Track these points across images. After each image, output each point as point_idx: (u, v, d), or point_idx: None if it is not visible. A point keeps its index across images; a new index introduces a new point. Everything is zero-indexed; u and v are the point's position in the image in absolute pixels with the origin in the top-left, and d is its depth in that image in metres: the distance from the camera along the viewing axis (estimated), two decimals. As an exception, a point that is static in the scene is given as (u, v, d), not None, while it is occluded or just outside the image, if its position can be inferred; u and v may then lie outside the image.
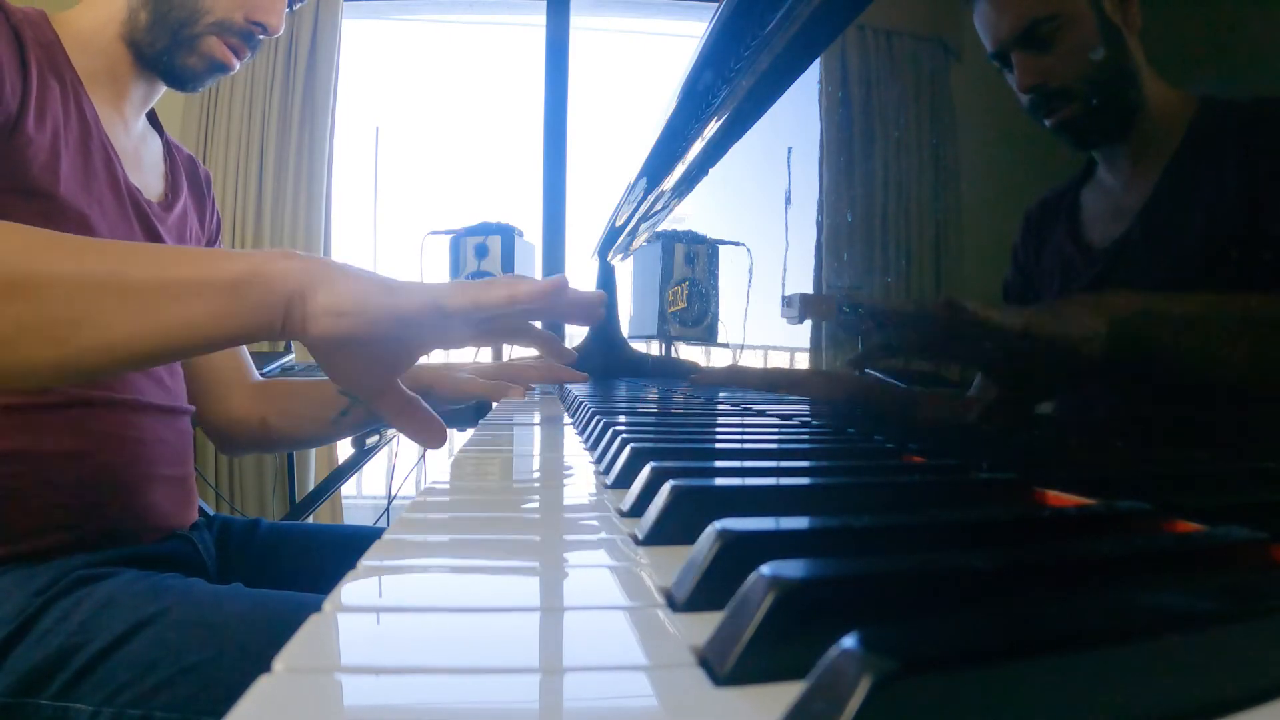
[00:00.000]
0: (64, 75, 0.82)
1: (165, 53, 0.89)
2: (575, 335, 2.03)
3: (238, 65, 0.92)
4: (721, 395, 0.99)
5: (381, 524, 2.44)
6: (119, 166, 0.87)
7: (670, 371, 1.29)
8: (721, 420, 0.76)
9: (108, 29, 0.88)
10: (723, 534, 0.23)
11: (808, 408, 0.71)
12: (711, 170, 1.05)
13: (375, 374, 0.60)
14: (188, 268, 0.54)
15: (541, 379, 1.11)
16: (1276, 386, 0.26)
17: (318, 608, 0.21)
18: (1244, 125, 0.28)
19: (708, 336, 1.11)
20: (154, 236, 0.91)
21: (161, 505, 0.88)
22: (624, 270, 1.75)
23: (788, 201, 0.76)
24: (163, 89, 0.95)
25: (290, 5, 0.95)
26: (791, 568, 0.18)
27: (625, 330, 1.69)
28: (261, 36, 0.92)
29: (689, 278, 1.17)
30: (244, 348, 1.11)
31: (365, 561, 0.26)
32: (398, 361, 0.60)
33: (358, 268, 0.56)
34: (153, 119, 1.00)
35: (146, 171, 0.95)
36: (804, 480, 0.38)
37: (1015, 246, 0.41)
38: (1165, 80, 0.33)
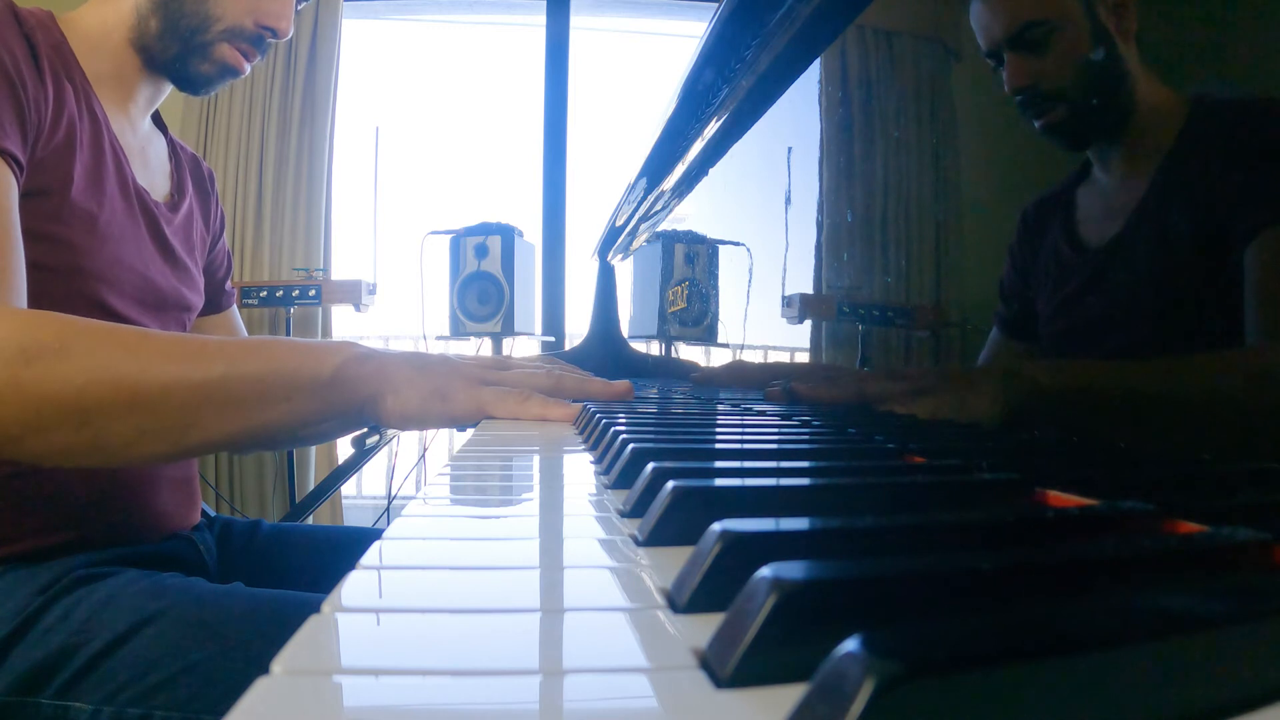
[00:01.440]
0: (75, 76, 0.83)
1: (177, 59, 0.89)
2: (575, 335, 2.03)
3: (248, 69, 0.93)
4: (722, 395, 0.99)
5: (381, 524, 2.44)
6: (127, 168, 0.87)
7: (670, 371, 1.29)
8: (722, 420, 0.76)
9: (116, 32, 0.88)
10: (724, 535, 0.23)
11: (807, 407, 0.71)
12: (711, 170, 1.05)
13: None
14: (282, 371, 0.64)
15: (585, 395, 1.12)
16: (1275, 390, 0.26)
17: (317, 608, 0.21)
18: (1237, 126, 0.28)
19: (708, 336, 1.11)
20: (160, 237, 0.91)
21: (165, 506, 0.88)
22: (624, 270, 1.75)
23: (788, 201, 0.76)
24: (169, 90, 0.95)
25: (297, 5, 0.95)
26: (793, 569, 0.18)
27: (625, 330, 1.69)
28: (271, 40, 0.92)
29: (689, 278, 1.17)
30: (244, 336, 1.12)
31: (365, 562, 0.26)
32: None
33: (418, 364, 0.66)
34: (157, 119, 1.00)
35: (153, 172, 0.96)
36: (805, 480, 0.38)
37: (1011, 246, 0.41)
38: (1158, 82, 0.33)
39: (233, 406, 0.62)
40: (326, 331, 2.72)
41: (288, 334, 2.54)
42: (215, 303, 1.09)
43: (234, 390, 0.62)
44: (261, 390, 0.62)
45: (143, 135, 0.95)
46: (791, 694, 0.15)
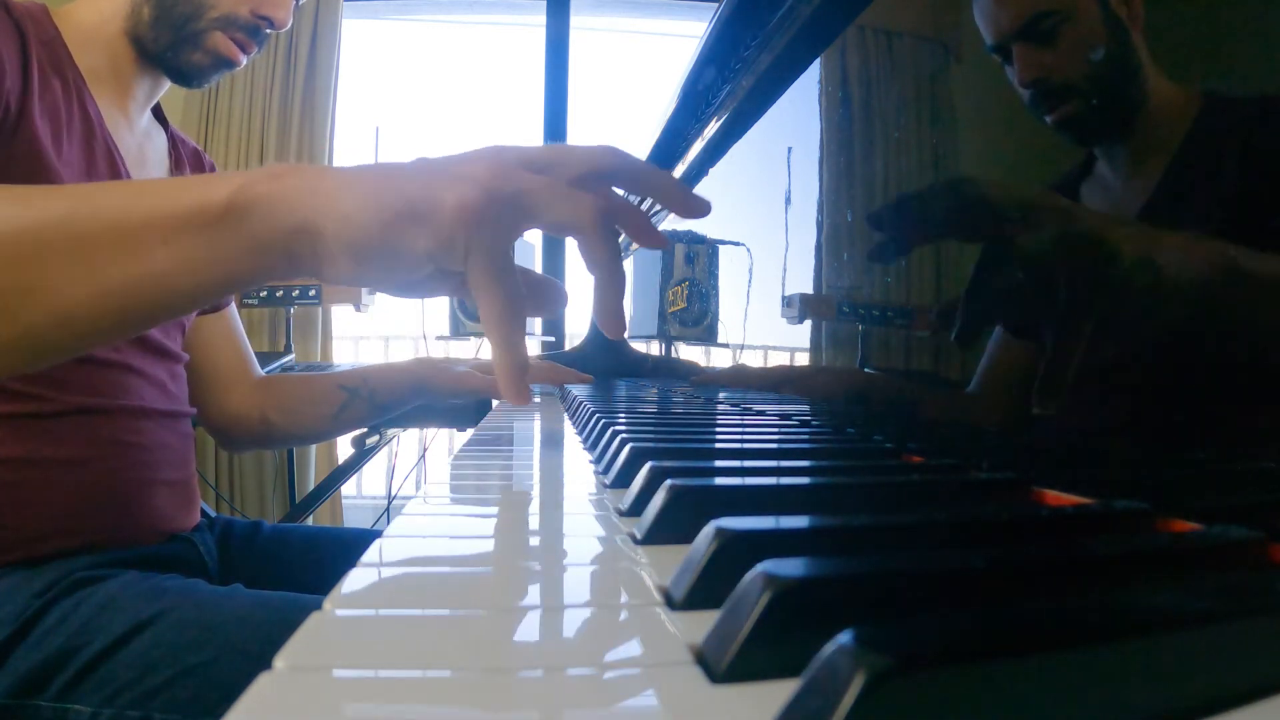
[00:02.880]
0: (66, 73, 0.82)
1: (170, 49, 0.88)
2: (575, 335, 2.03)
3: (244, 60, 0.91)
4: (721, 395, 0.99)
5: (381, 524, 2.44)
6: (122, 166, 0.87)
7: (670, 371, 1.29)
8: (720, 420, 0.76)
9: (110, 24, 0.87)
10: (720, 533, 0.23)
11: (807, 407, 0.71)
12: (711, 170, 1.05)
13: (440, 285, 0.48)
14: (151, 204, 0.42)
15: (544, 379, 1.10)
16: (1273, 385, 0.26)
17: (318, 607, 0.21)
18: (1247, 123, 0.28)
19: (708, 336, 1.11)
20: None
21: (164, 509, 0.88)
22: (624, 270, 1.75)
23: (788, 201, 0.76)
24: (167, 85, 0.94)
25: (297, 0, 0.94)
26: (788, 566, 0.18)
27: (625, 330, 1.69)
28: (268, 31, 0.91)
29: (689, 278, 1.18)
30: (246, 344, 1.10)
31: (366, 560, 0.26)
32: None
33: (379, 171, 0.43)
34: (158, 113, 0.99)
35: (151, 170, 0.95)
36: (802, 480, 0.38)
37: None
38: (1168, 77, 0.33)
39: (84, 256, 0.42)
40: (327, 332, 2.72)
41: (288, 335, 2.54)
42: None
43: (84, 231, 0.42)
44: (122, 232, 0.42)
45: (140, 132, 0.94)
46: (785, 689, 0.16)
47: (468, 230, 0.40)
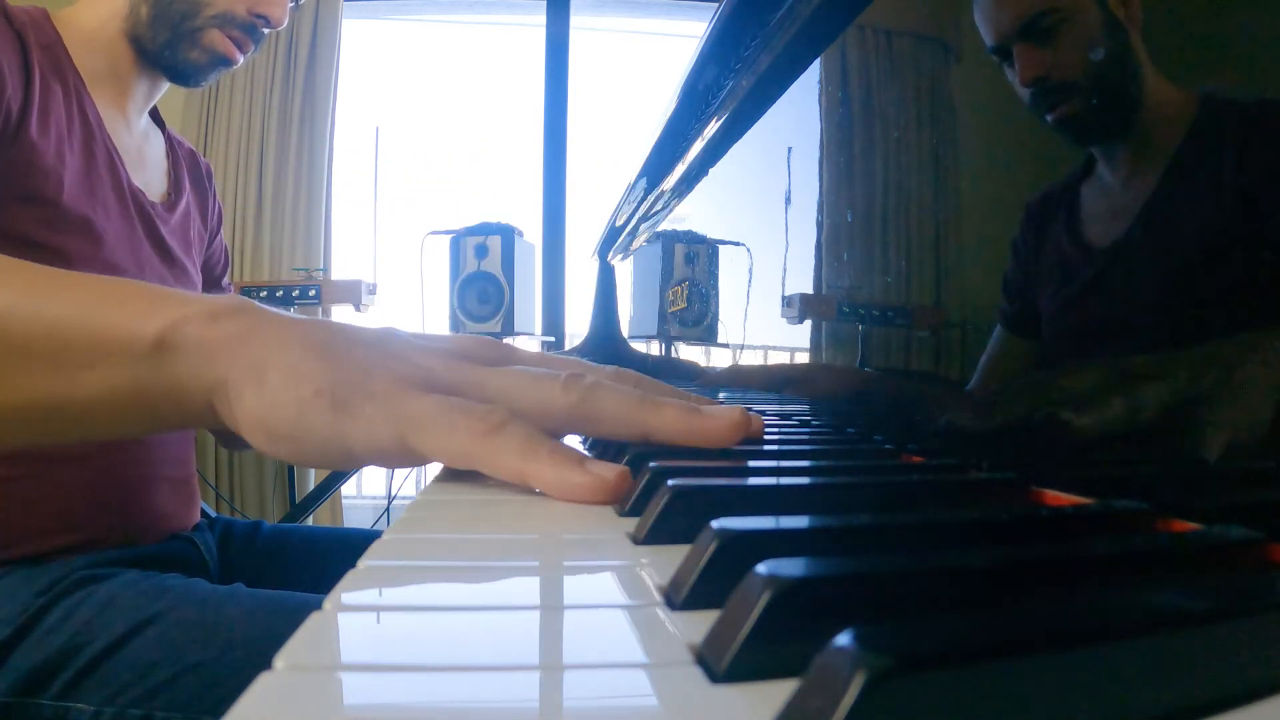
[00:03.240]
0: (66, 77, 0.82)
1: (167, 47, 0.88)
2: (575, 336, 2.03)
3: (241, 59, 0.92)
4: (721, 395, 0.99)
5: (381, 524, 2.44)
6: (122, 169, 0.87)
7: (670, 372, 1.29)
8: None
9: (109, 26, 0.88)
10: (720, 533, 0.23)
11: (807, 407, 0.71)
12: (711, 170, 1.05)
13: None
14: (90, 318, 0.39)
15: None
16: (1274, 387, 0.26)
17: (318, 607, 0.21)
18: (1247, 125, 0.28)
19: (708, 336, 1.11)
20: (157, 239, 0.91)
21: (165, 507, 0.88)
22: (624, 270, 1.76)
23: (788, 201, 0.76)
24: (165, 86, 0.95)
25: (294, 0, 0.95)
26: (788, 566, 0.18)
27: (625, 330, 1.70)
28: (265, 29, 0.91)
29: (689, 278, 1.18)
30: None
31: (366, 560, 0.26)
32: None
33: (315, 341, 0.38)
34: (155, 115, 0.99)
35: (149, 171, 0.95)
36: (802, 480, 0.38)
37: (1015, 242, 0.41)
38: (1167, 78, 0.33)
39: (12, 364, 0.38)
40: (327, 332, 2.71)
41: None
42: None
43: (16, 337, 0.38)
44: (57, 345, 0.38)
45: (139, 133, 0.94)
46: (785, 689, 0.16)
47: (377, 427, 0.36)
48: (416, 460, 0.37)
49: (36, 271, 0.41)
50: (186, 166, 1.03)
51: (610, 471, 0.36)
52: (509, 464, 0.36)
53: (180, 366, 0.38)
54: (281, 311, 0.40)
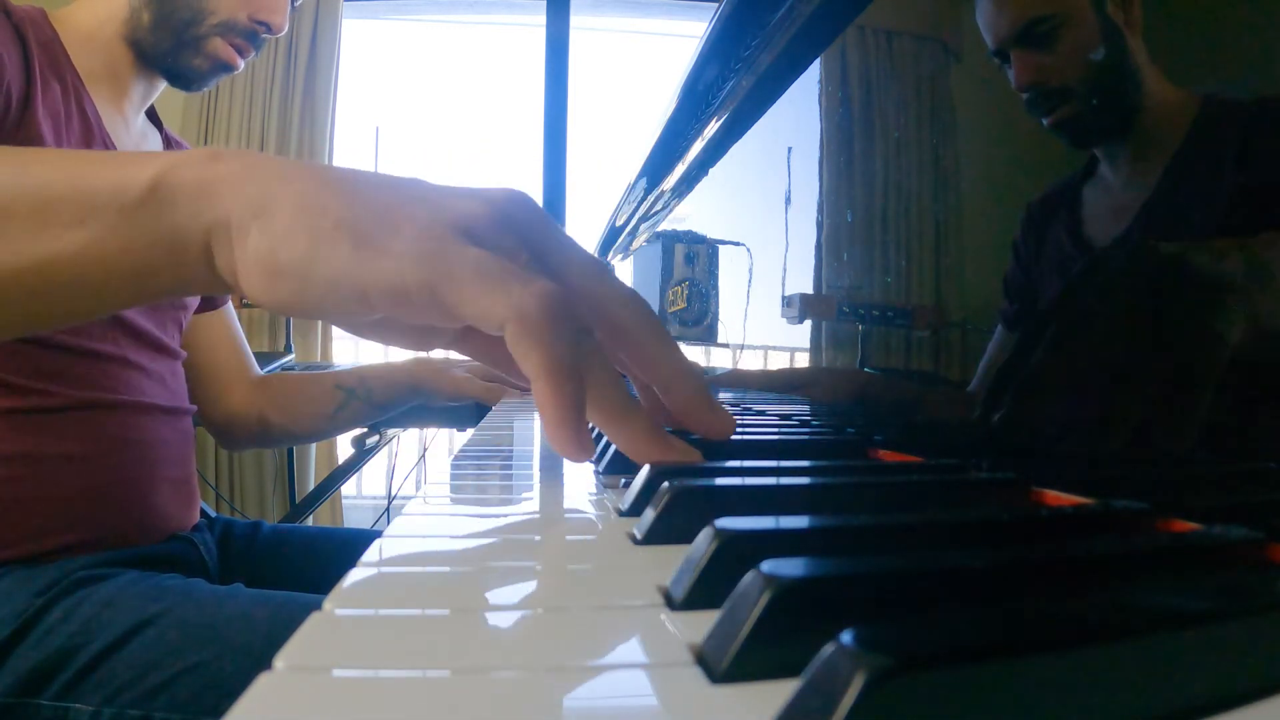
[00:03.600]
0: (65, 75, 0.82)
1: (169, 53, 0.88)
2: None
3: (242, 65, 0.92)
4: (721, 395, 0.99)
5: (381, 524, 2.44)
6: None
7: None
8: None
9: (108, 27, 0.88)
10: (720, 533, 0.23)
11: (807, 407, 0.71)
12: (711, 170, 1.05)
13: (403, 336, 0.40)
14: (72, 177, 0.36)
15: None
16: (1274, 384, 0.26)
17: (318, 607, 0.21)
18: (1246, 125, 0.28)
19: (708, 336, 1.11)
20: None
21: (165, 507, 0.88)
22: (624, 270, 1.76)
23: (788, 201, 0.76)
24: (163, 86, 0.95)
25: (293, 3, 0.95)
26: (787, 566, 0.18)
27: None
28: (266, 35, 0.92)
29: (689, 278, 1.18)
30: (244, 343, 1.10)
31: (366, 560, 0.26)
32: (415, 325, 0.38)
33: (333, 178, 0.34)
34: (152, 115, 0.99)
35: None
36: (802, 480, 0.38)
37: (1016, 242, 0.41)
38: (1167, 79, 0.33)
39: (2, 224, 0.36)
40: (326, 332, 2.72)
41: (288, 335, 2.54)
42: (210, 299, 1.08)
43: (4, 199, 0.36)
44: (41, 203, 0.36)
45: (137, 133, 0.94)
46: (785, 689, 0.16)
47: (412, 267, 0.32)
48: (438, 317, 0.32)
49: (19, 149, 0.39)
50: None
51: (659, 436, 0.35)
52: (538, 362, 0.31)
53: (177, 210, 0.35)
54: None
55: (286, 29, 0.93)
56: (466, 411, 1.54)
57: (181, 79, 0.91)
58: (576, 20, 2.64)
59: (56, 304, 0.39)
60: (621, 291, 0.36)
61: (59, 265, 0.36)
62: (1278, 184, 0.27)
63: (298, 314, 0.35)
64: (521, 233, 0.35)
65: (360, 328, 0.38)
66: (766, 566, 0.18)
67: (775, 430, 0.63)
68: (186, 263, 0.36)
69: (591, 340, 0.34)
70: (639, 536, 0.30)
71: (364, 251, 0.32)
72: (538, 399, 0.32)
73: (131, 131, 0.93)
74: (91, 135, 0.84)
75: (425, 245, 0.32)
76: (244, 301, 2.30)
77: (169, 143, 1.02)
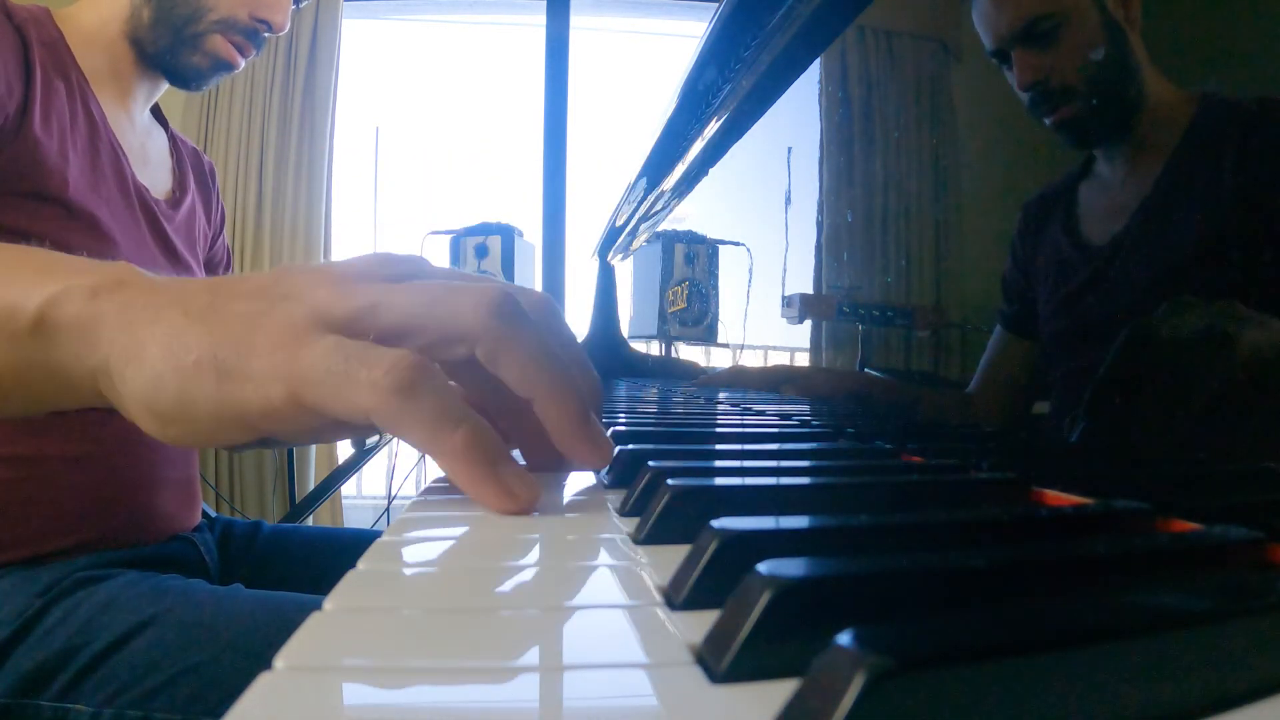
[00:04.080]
0: (69, 74, 0.82)
1: (168, 51, 0.88)
2: (576, 335, 2.03)
3: (242, 63, 0.92)
4: (721, 395, 0.99)
5: (381, 524, 2.44)
6: (127, 166, 0.87)
7: (670, 372, 1.29)
8: (721, 420, 0.76)
9: (110, 26, 0.88)
10: (720, 533, 0.23)
11: (807, 407, 0.71)
12: (711, 170, 1.05)
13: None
14: None
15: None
16: (1274, 385, 0.26)
17: (318, 607, 0.21)
18: (1245, 125, 0.28)
19: (708, 336, 1.11)
20: (162, 236, 0.91)
21: (166, 508, 0.88)
22: (624, 270, 1.76)
23: (788, 201, 0.76)
24: (166, 85, 0.95)
25: (296, 2, 0.95)
26: (788, 566, 0.18)
27: (625, 330, 1.70)
28: (266, 34, 0.91)
29: (689, 278, 1.18)
30: None
31: (365, 560, 0.26)
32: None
33: (195, 307, 0.33)
34: (157, 113, 0.99)
35: (153, 168, 0.95)
36: (802, 480, 0.38)
37: (1013, 242, 0.41)
38: (1167, 78, 0.33)
39: None
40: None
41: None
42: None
43: None
44: None
45: (142, 131, 0.94)
46: (785, 689, 0.16)
47: (265, 388, 0.31)
48: (327, 421, 0.32)
49: None
50: (190, 165, 1.03)
51: (521, 487, 0.32)
52: (415, 436, 0.31)
53: (60, 348, 0.35)
54: (172, 278, 0.37)
55: (288, 28, 0.93)
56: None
57: (181, 78, 0.91)
58: (576, 20, 2.64)
59: None
60: (484, 297, 0.34)
61: None
62: (1275, 182, 0.27)
63: (203, 446, 0.35)
64: (386, 274, 0.36)
65: (298, 438, 0.36)
66: (766, 566, 0.18)
67: (778, 431, 0.63)
68: (80, 392, 0.36)
69: (456, 394, 0.33)
70: (639, 536, 0.30)
71: (227, 384, 0.32)
72: (444, 470, 0.32)
73: (137, 131, 0.93)
74: (97, 135, 0.84)
75: (277, 357, 0.31)
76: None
77: (175, 141, 1.02)
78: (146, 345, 0.33)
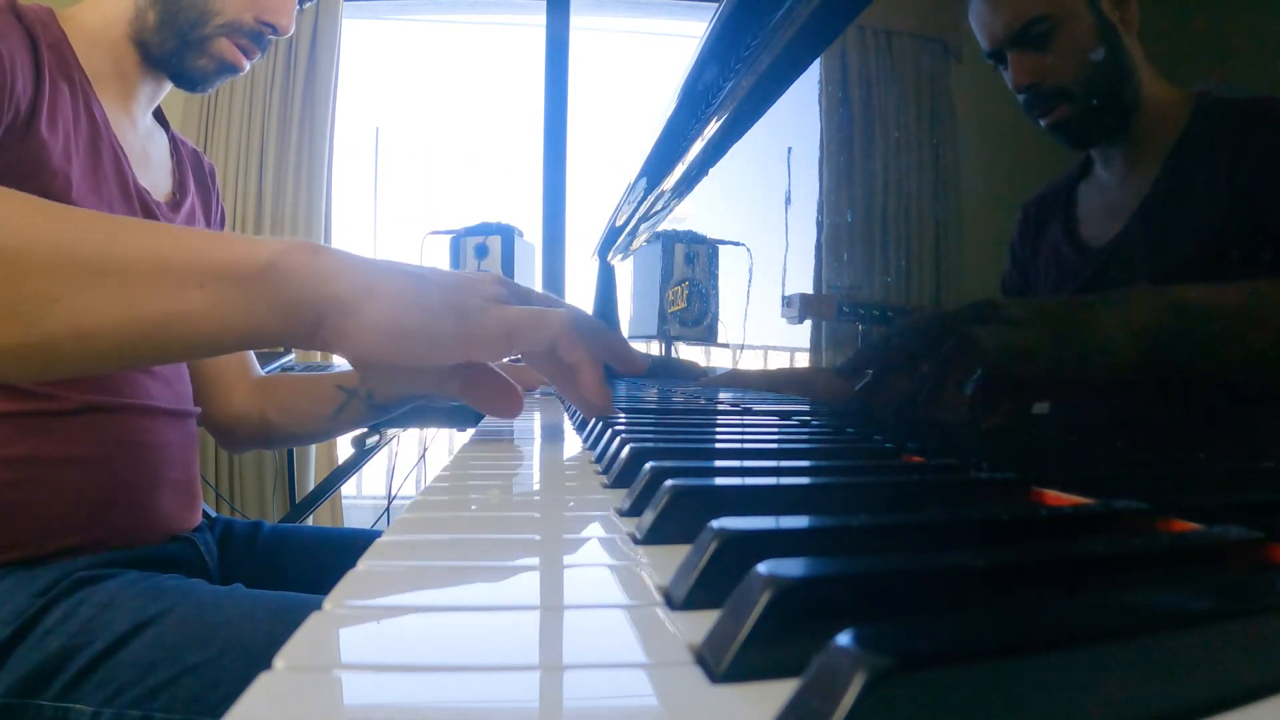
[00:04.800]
0: (73, 76, 0.82)
1: (174, 54, 0.88)
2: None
3: (247, 66, 0.92)
4: (721, 395, 0.99)
5: (381, 524, 2.44)
6: (128, 168, 0.87)
7: (670, 372, 1.29)
8: (721, 420, 0.76)
9: (115, 28, 0.88)
10: (720, 533, 0.23)
11: (807, 407, 0.71)
12: (711, 170, 1.05)
13: (424, 379, 0.58)
14: (194, 249, 0.46)
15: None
16: (1273, 384, 0.26)
17: (318, 607, 0.21)
18: (1241, 124, 0.28)
19: (708, 336, 1.11)
20: None
21: (168, 509, 0.88)
22: (624, 270, 1.76)
23: (788, 201, 0.76)
24: (169, 86, 0.95)
25: (300, 4, 0.95)
26: (788, 566, 0.18)
27: (626, 330, 1.70)
28: (272, 37, 0.91)
29: (689, 278, 1.18)
30: None
31: (366, 560, 0.26)
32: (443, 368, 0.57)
33: (412, 273, 0.48)
34: (158, 114, 0.99)
35: (154, 170, 0.95)
36: (802, 480, 0.38)
37: (1013, 242, 0.41)
38: (1161, 79, 0.33)
39: (117, 280, 0.44)
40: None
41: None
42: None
43: (124, 258, 0.44)
44: (161, 267, 0.45)
45: (144, 133, 0.94)
46: (785, 689, 0.16)
47: (493, 326, 0.49)
48: (505, 351, 0.50)
49: (120, 218, 0.48)
50: (191, 167, 1.02)
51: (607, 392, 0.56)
52: (577, 352, 0.52)
53: (293, 286, 0.46)
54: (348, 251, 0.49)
55: (293, 30, 0.93)
56: (467, 411, 1.54)
57: (187, 80, 0.91)
58: (576, 20, 2.64)
59: (165, 347, 0.47)
60: (562, 316, 0.53)
61: (177, 319, 0.45)
62: (1272, 181, 0.27)
63: (387, 362, 0.47)
64: (510, 289, 0.54)
65: (409, 375, 0.57)
66: (766, 566, 0.18)
67: (778, 430, 0.63)
68: (294, 324, 0.46)
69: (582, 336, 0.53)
70: (639, 536, 0.30)
71: (465, 323, 0.48)
72: (583, 375, 0.54)
73: (139, 132, 0.93)
74: (99, 137, 0.84)
75: (496, 314, 0.49)
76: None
77: (175, 142, 1.02)
78: (380, 287, 0.46)
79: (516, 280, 2.08)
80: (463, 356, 0.49)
